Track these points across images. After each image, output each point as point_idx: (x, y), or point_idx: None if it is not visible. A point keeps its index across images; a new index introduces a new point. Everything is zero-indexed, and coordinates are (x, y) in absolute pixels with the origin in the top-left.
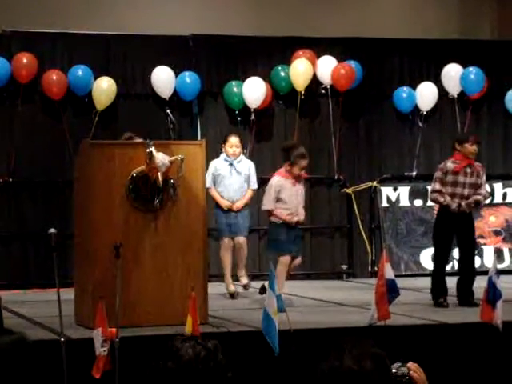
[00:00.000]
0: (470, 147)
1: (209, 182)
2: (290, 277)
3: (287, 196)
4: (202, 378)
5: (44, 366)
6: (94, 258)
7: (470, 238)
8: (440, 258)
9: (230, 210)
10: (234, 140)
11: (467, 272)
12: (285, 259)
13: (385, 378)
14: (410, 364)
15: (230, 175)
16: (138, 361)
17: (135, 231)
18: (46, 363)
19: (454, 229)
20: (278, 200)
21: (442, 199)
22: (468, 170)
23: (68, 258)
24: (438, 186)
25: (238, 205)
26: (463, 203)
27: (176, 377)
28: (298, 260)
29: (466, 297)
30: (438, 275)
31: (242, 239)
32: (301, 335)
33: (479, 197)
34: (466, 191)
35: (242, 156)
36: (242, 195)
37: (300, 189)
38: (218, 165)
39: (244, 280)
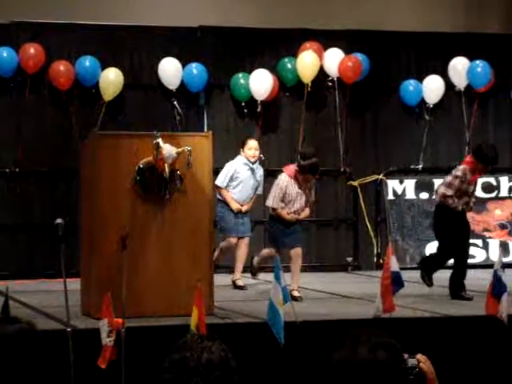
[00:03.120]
0: (485, 167)
1: (225, 183)
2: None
3: (292, 196)
4: (233, 374)
5: (50, 355)
6: (101, 248)
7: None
8: (464, 255)
9: (238, 212)
10: (253, 143)
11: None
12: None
13: (398, 368)
14: (419, 356)
15: (249, 179)
16: (144, 351)
17: (142, 222)
18: (52, 353)
19: (455, 225)
20: (282, 198)
21: (450, 201)
22: (477, 180)
23: (74, 248)
24: (450, 192)
25: (247, 208)
26: (464, 205)
27: (209, 372)
28: (296, 250)
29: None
30: (464, 272)
31: (247, 240)
32: (306, 327)
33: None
34: (472, 199)
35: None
36: (251, 199)
37: (305, 188)
38: (238, 167)
39: (241, 282)
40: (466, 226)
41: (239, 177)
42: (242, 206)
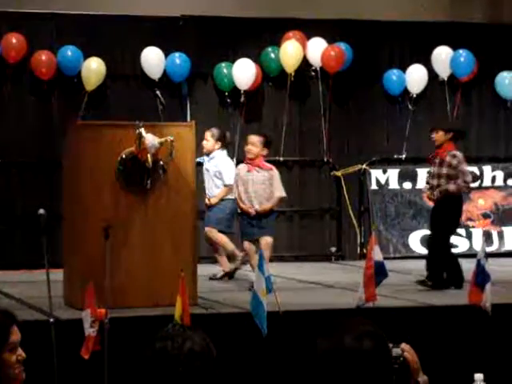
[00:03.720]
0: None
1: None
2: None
3: (243, 180)
4: (211, 362)
5: (33, 346)
6: (83, 239)
7: None
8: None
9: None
10: (205, 133)
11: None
12: (244, 245)
13: (384, 357)
14: (404, 345)
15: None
16: (127, 341)
17: (124, 212)
18: (35, 344)
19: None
20: (237, 184)
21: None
22: (436, 161)
23: (57, 239)
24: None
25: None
26: (435, 193)
27: (189, 361)
28: (265, 238)
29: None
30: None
31: (206, 229)
32: (290, 317)
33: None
34: (435, 181)
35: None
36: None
37: (260, 176)
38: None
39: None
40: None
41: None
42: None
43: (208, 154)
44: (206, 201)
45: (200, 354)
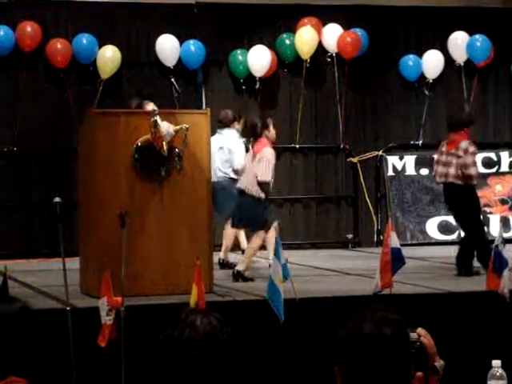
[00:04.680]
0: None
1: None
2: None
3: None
4: (219, 347)
5: (50, 334)
6: (99, 227)
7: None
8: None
9: None
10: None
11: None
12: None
13: (403, 344)
14: (420, 330)
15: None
16: (143, 329)
17: (140, 200)
18: (51, 332)
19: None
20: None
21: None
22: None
23: (73, 227)
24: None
25: None
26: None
27: (194, 347)
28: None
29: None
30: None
31: None
32: (306, 304)
33: None
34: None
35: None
36: None
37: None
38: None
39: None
40: None
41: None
42: None
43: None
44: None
45: (200, 341)
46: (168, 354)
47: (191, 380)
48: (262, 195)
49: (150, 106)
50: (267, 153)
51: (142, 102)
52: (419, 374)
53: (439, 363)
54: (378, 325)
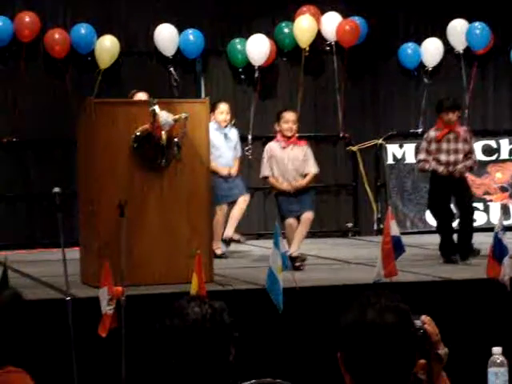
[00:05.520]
0: (446, 116)
1: None
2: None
3: (277, 157)
4: (208, 336)
5: (50, 324)
6: (99, 217)
7: (464, 199)
8: (441, 218)
9: (228, 177)
10: (224, 107)
11: (464, 231)
12: (288, 222)
13: (406, 332)
14: (424, 317)
15: (224, 144)
16: (144, 319)
17: (139, 190)
18: (52, 322)
19: (449, 191)
20: (271, 165)
21: (427, 166)
22: (451, 137)
23: (73, 217)
24: (422, 156)
25: (234, 171)
26: (450, 168)
27: (183, 335)
28: (307, 214)
29: (465, 254)
30: (444, 233)
31: (247, 197)
32: (307, 293)
33: (468, 163)
34: (452, 157)
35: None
36: (233, 162)
37: (295, 153)
38: (211, 135)
39: (236, 236)
40: (460, 190)
41: (215, 144)
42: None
43: (226, 126)
44: (226, 171)
45: (189, 328)
46: (160, 342)
47: (182, 368)
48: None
49: (143, 96)
50: (265, 149)
51: (135, 92)
52: (422, 361)
53: (443, 351)
54: (381, 312)
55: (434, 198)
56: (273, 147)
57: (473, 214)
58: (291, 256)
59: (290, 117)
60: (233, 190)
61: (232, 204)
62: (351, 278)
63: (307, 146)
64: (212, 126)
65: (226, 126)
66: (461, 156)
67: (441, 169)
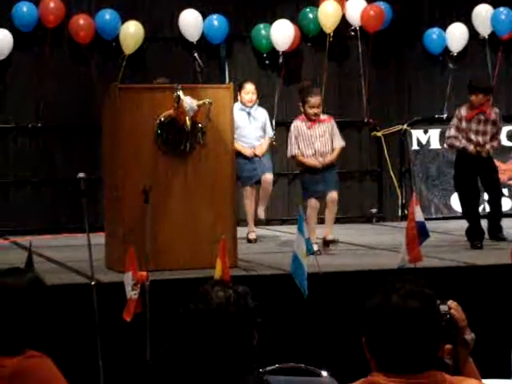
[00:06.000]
0: (476, 98)
1: None
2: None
3: (305, 136)
4: (232, 320)
5: (75, 309)
6: (124, 202)
7: (492, 178)
8: (468, 201)
9: (253, 157)
10: (251, 87)
11: (494, 211)
12: (310, 203)
13: (430, 317)
14: (450, 302)
15: (248, 124)
16: (168, 304)
17: (164, 176)
18: (76, 307)
19: (476, 171)
20: (298, 145)
21: (457, 143)
22: (481, 118)
23: (98, 203)
24: (453, 132)
25: (260, 151)
26: (478, 148)
27: (207, 319)
28: (331, 194)
29: (494, 233)
30: (471, 218)
31: (270, 177)
32: (330, 278)
33: (495, 144)
34: (480, 139)
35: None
36: (259, 141)
37: (321, 131)
38: (235, 115)
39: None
40: (487, 170)
41: (238, 125)
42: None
43: (251, 106)
44: (250, 151)
45: (212, 313)
46: (184, 326)
47: (206, 352)
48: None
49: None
50: (291, 127)
51: (165, 81)
52: (448, 346)
53: (470, 336)
54: (405, 297)
55: (461, 178)
56: (299, 126)
57: (501, 193)
58: (325, 240)
59: (316, 101)
60: (256, 170)
61: (258, 184)
62: (376, 264)
63: (333, 122)
64: (236, 106)
65: (251, 107)
66: (488, 138)
67: (471, 147)
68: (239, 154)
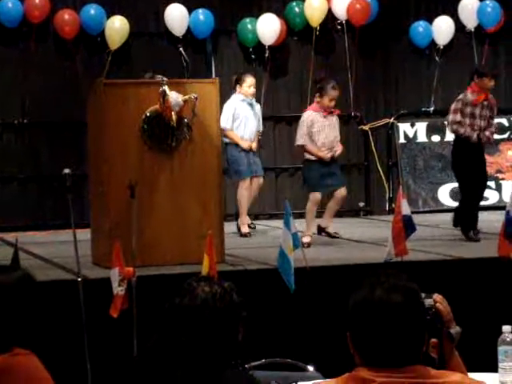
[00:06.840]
0: (489, 82)
1: (229, 123)
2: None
3: (319, 130)
4: (217, 316)
5: (61, 305)
6: (110, 198)
7: (484, 169)
8: (469, 191)
9: (249, 150)
10: (252, 80)
11: (476, 203)
12: (314, 197)
13: (413, 311)
14: (436, 296)
15: (250, 116)
16: (155, 299)
17: (150, 171)
18: (63, 303)
19: (473, 160)
20: (310, 135)
21: (462, 130)
22: (485, 103)
23: (83, 198)
24: (458, 117)
25: (256, 145)
26: (481, 135)
27: (192, 314)
28: (341, 191)
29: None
30: (472, 206)
31: (261, 179)
32: (317, 272)
33: (493, 130)
34: (482, 123)
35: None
36: (255, 136)
37: (333, 123)
38: (238, 106)
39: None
40: (481, 160)
41: (240, 115)
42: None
43: (252, 99)
44: (248, 144)
45: (197, 308)
46: (170, 321)
47: (191, 347)
48: (308, 156)
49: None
50: (302, 117)
51: (153, 75)
52: (434, 340)
53: (455, 329)
54: (388, 291)
55: (463, 166)
56: (314, 116)
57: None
58: (327, 230)
59: (336, 95)
60: (252, 167)
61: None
62: (362, 258)
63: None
64: (238, 97)
65: (252, 99)
66: (486, 123)
67: (474, 136)
68: (235, 146)
